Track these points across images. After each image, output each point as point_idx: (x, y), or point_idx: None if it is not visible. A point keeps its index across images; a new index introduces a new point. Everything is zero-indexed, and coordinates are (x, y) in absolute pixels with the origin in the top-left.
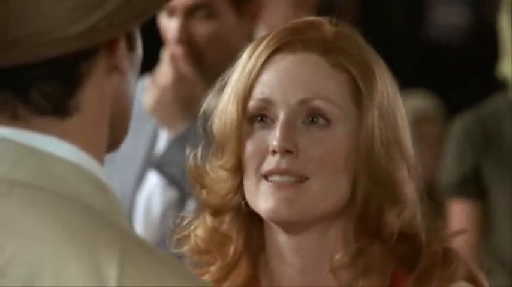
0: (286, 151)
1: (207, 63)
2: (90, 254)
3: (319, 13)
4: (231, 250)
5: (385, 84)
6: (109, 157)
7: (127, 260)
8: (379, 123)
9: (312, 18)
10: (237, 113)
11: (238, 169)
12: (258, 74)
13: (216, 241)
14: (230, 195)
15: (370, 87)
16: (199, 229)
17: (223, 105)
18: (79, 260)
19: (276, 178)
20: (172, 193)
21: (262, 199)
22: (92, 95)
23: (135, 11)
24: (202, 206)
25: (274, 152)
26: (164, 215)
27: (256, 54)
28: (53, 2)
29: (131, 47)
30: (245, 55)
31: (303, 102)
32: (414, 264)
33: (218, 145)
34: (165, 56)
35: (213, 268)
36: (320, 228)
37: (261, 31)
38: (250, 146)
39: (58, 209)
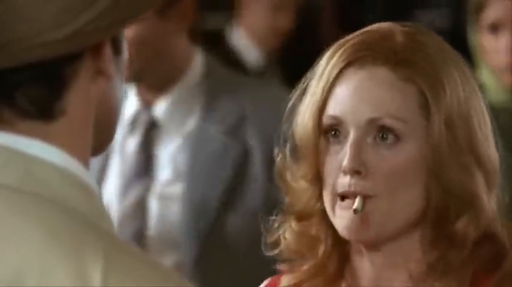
0: (355, 172)
1: (136, 68)
2: (75, 257)
3: (299, 15)
4: (321, 250)
5: (457, 90)
6: None
7: (111, 263)
8: (448, 134)
9: (383, 27)
10: (313, 129)
11: (318, 180)
12: (330, 88)
13: (305, 243)
14: (312, 202)
15: (437, 100)
16: (287, 233)
17: (302, 115)
18: (64, 263)
19: (347, 199)
20: (128, 201)
21: (337, 218)
22: (78, 98)
23: (122, 14)
24: (287, 211)
25: (345, 172)
26: (121, 222)
27: (330, 66)
28: (38, 6)
29: (117, 51)
30: (323, 61)
31: (372, 121)
32: (497, 266)
33: (299, 154)
34: None
35: (304, 268)
36: (396, 239)
37: (241, 34)
38: (326, 162)
39: (43, 212)
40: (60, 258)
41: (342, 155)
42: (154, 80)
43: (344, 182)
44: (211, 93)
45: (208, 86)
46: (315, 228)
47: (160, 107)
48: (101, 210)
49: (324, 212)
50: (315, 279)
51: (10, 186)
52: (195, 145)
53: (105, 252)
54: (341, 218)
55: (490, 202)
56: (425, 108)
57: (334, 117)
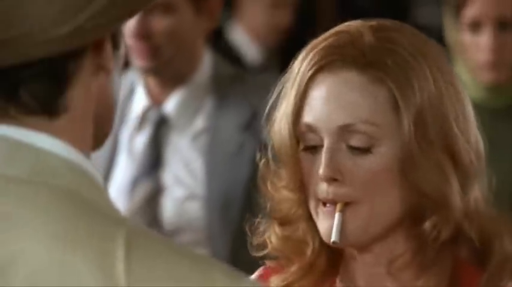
0: (332, 179)
1: (164, 59)
2: (94, 247)
3: (298, 12)
4: (308, 251)
5: (428, 86)
6: None
7: (133, 250)
8: (418, 132)
9: (353, 27)
10: (290, 138)
11: (301, 187)
12: (303, 95)
13: (290, 246)
14: (294, 209)
15: (406, 99)
16: (272, 237)
17: (278, 123)
18: (84, 254)
19: (328, 204)
20: (136, 197)
21: (320, 223)
22: (80, 94)
23: (122, 10)
24: (270, 216)
25: (321, 179)
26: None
27: (301, 72)
28: (42, 3)
29: (115, 46)
30: (296, 65)
31: (345, 127)
32: (481, 258)
33: (278, 163)
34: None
35: (292, 269)
36: (383, 240)
37: (240, 30)
38: (305, 170)
39: (57, 203)
40: (79, 249)
41: (318, 162)
42: (170, 74)
43: (323, 189)
44: (221, 92)
45: (217, 84)
46: (301, 232)
47: (171, 104)
48: (110, 202)
49: (309, 216)
50: (304, 280)
51: (19, 178)
52: (210, 144)
53: (126, 241)
54: (322, 223)
55: (465, 199)
56: (396, 109)
57: (308, 125)
